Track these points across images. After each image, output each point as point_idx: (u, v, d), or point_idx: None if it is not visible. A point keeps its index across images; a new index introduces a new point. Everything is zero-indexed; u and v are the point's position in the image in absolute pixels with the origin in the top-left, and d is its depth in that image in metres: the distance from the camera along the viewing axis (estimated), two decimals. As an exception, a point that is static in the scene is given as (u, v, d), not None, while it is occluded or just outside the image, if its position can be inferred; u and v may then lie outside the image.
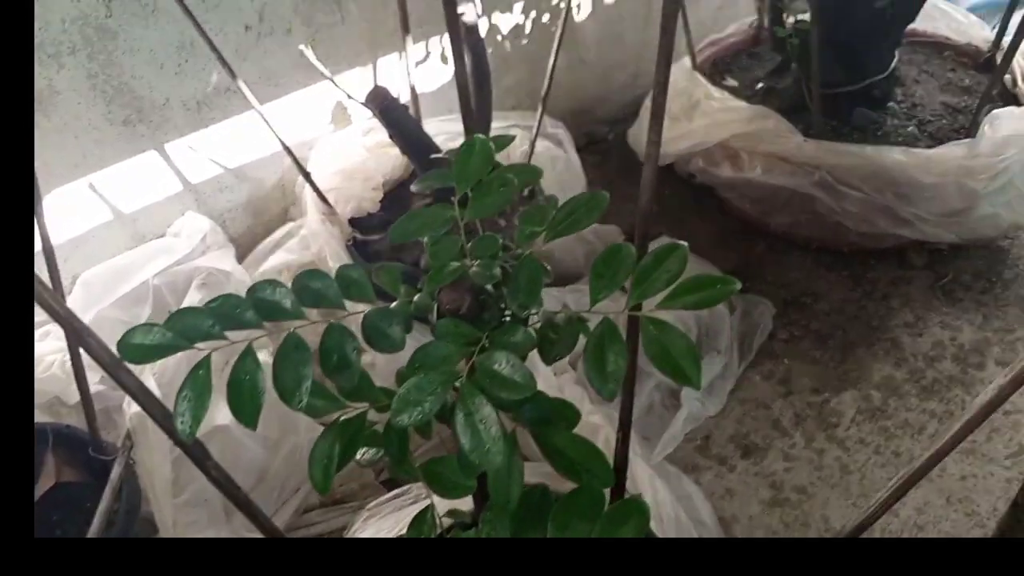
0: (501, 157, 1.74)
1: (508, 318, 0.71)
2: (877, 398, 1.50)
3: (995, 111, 1.61)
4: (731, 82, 1.97)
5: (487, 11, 1.80)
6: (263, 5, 1.44)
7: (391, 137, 1.42)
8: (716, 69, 2.03)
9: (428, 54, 1.73)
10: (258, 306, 0.66)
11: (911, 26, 1.76)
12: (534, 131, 1.62)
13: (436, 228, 0.74)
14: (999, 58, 1.79)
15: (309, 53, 1.31)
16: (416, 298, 0.72)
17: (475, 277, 0.70)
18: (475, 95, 1.48)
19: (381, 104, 1.38)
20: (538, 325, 0.70)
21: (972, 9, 2.33)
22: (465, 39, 1.43)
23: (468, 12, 1.39)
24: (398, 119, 1.40)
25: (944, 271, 1.73)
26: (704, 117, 1.69)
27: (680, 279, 0.63)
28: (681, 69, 1.83)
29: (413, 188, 0.86)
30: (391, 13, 1.54)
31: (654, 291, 0.66)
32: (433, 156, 1.54)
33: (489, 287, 0.70)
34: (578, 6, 2.02)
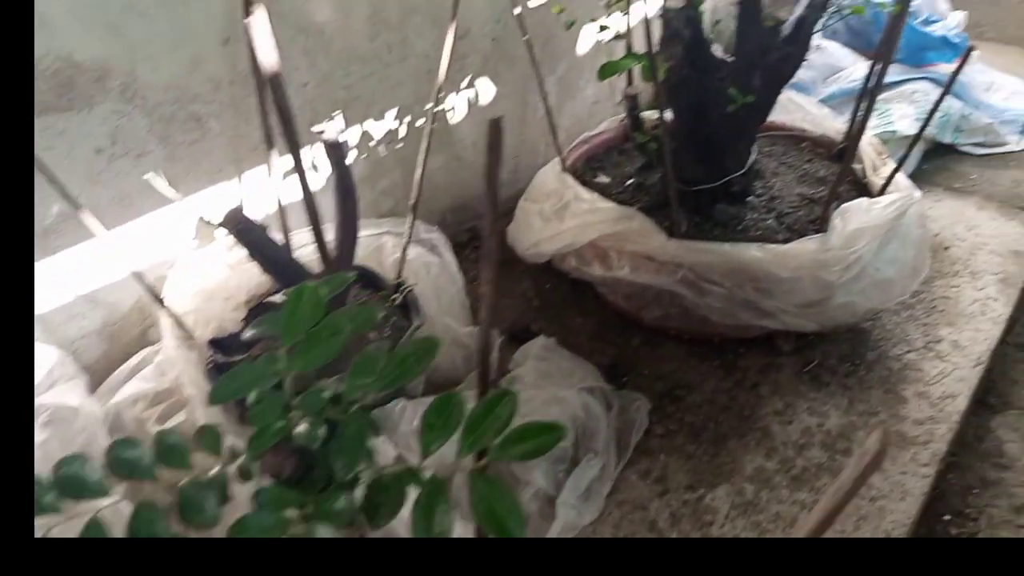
0: (373, 263, 1.72)
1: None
2: (750, 491, 1.52)
3: (844, 205, 1.70)
4: (603, 179, 2.03)
5: (359, 119, 1.82)
6: (115, 127, 1.41)
7: (251, 258, 1.40)
8: (589, 166, 2.09)
9: (300, 165, 1.72)
10: (62, 484, 0.63)
11: (770, 119, 1.85)
12: (405, 239, 1.62)
13: (261, 383, 0.72)
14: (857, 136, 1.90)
15: (157, 181, 1.29)
16: (238, 463, 0.69)
17: (298, 439, 0.69)
18: (340, 210, 1.48)
19: (237, 226, 1.36)
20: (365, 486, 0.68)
21: (825, 100, 2.49)
22: (328, 155, 1.44)
23: (328, 130, 1.40)
24: (256, 240, 1.38)
25: (811, 355, 1.80)
26: (574, 218, 1.73)
27: (511, 423, 0.64)
28: (552, 170, 1.88)
29: (243, 337, 0.84)
30: (254, 127, 1.54)
31: (484, 441, 0.65)
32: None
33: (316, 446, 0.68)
34: (452, 109, 2.07)
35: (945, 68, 2.64)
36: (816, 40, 2.49)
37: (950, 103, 2.53)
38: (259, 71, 1.52)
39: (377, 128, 1.87)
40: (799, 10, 1.67)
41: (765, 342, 1.81)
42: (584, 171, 2.07)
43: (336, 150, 1.42)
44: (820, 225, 1.74)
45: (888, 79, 2.52)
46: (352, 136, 1.82)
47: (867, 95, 1.78)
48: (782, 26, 1.64)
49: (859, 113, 1.84)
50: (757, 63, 1.63)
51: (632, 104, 1.74)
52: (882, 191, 1.79)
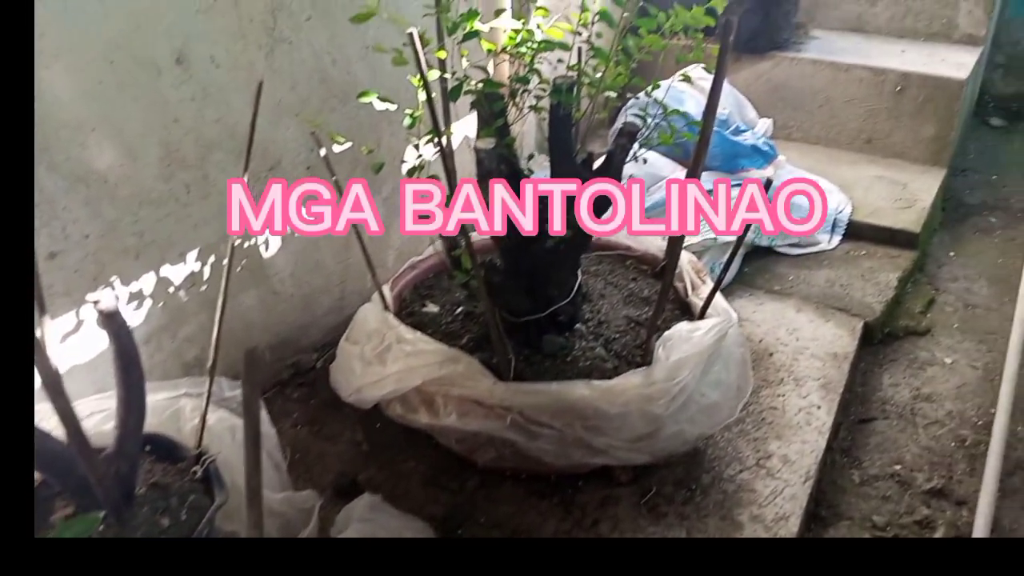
0: (170, 430, 1.53)
1: None
2: (594, 650, 1.43)
3: (667, 333, 1.70)
4: (432, 308, 1.95)
5: (155, 265, 1.66)
6: None
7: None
8: (417, 293, 2.01)
9: (80, 322, 1.54)
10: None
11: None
12: (204, 403, 1.46)
13: None
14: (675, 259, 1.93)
15: None
16: None
17: None
18: (122, 383, 1.31)
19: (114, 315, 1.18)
20: None
21: (649, 210, 2.55)
22: (105, 326, 1.28)
23: (105, 298, 1.24)
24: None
25: (649, 484, 1.76)
26: (397, 362, 1.63)
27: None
28: (374, 308, 1.78)
29: None
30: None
31: None
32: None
33: None
34: (265, 243, 1.94)
35: (757, 173, 2.79)
36: (639, 154, 2.57)
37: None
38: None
39: (176, 272, 1.72)
40: (609, 144, 1.69)
41: (603, 473, 1.75)
42: (412, 299, 1.99)
43: (113, 320, 1.26)
44: (645, 352, 1.73)
45: (705, 187, 2.63)
46: (147, 284, 1.66)
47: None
48: (594, 159, 1.65)
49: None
50: (571, 197, 1.63)
51: (450, 243, 1.69)
52: (702, 313, 1.81)
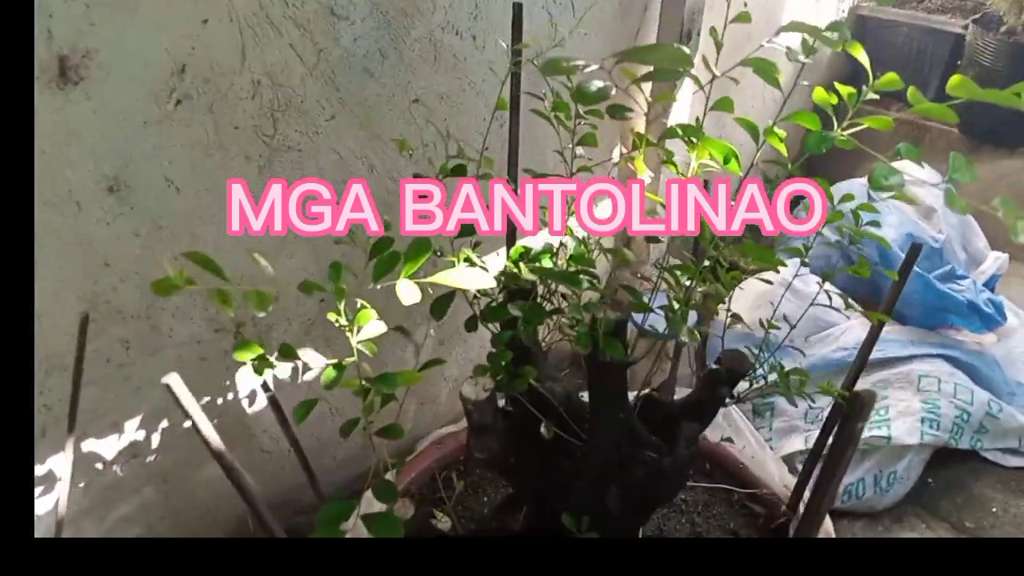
0: None
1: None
2: None
3: None
4: (443, 522, 1.44)
5: (79, 437, 1.27)
6: None
7: None
8: (431, 490, 1.51)
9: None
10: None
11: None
12: None
13: None
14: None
15: None
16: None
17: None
18: None
19: None
20: None
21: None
22: None
23: None
24: None
25: None
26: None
27: None
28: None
29: None
30: None
31: None
32: None
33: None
34: (249, 397, 1.51)
35: (971, 338, 2.00)
36: (799, 282, 1.89)
37: (972, 394, 1.88)
38: None
39: (108, 445, 1.32)
40: (696, 382, 1.09)
41: None
42: (425, 497, 1.49)
43: None
44: None
45: (890, 352, 1.90)
46: (58, 465, 1.27)
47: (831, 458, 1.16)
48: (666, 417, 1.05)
49: (821, 464, 1.22)
50: (612, 476, 1.04)
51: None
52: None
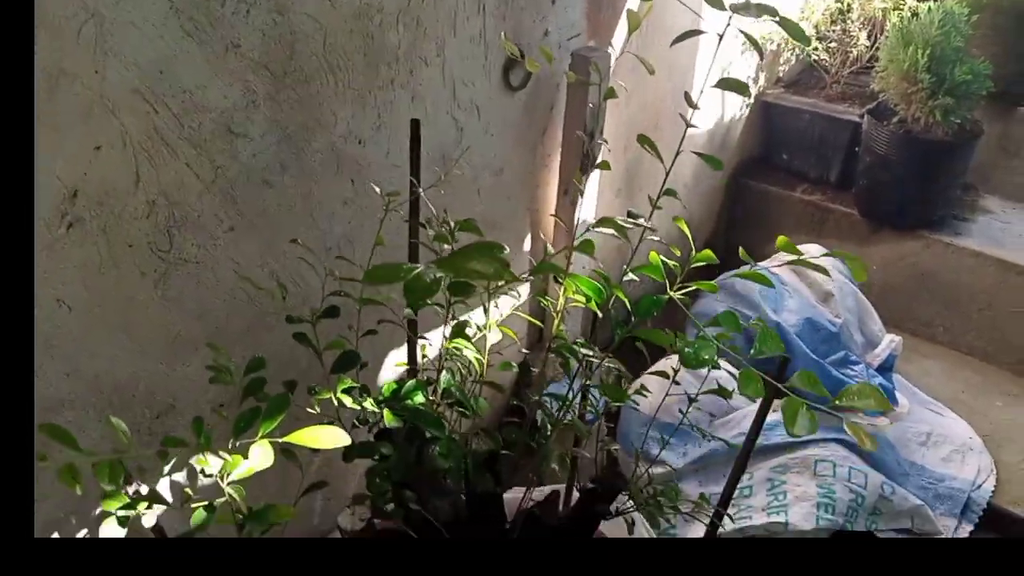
0: None
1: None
2: None
3: None
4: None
5: None
6: None
7: None
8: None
9: None
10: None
11: None
12: None
13: None
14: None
15: None
16: None
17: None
18: None
19: None
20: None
21: (695, 463, 1.92)
22: None
23: None
24: None
25: None
26: None
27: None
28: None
29: None
30: None
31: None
32: None
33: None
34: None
35: (865, 421, 2.10)
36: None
37: (866, 477, 1.96)
38: None
39: None
40: (569, 510, 1.13)
41: None
42: None
43: None
44: None
45: (788, 436, 1.97)
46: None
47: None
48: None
49: None
50: None
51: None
52: None
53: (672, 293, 0.80)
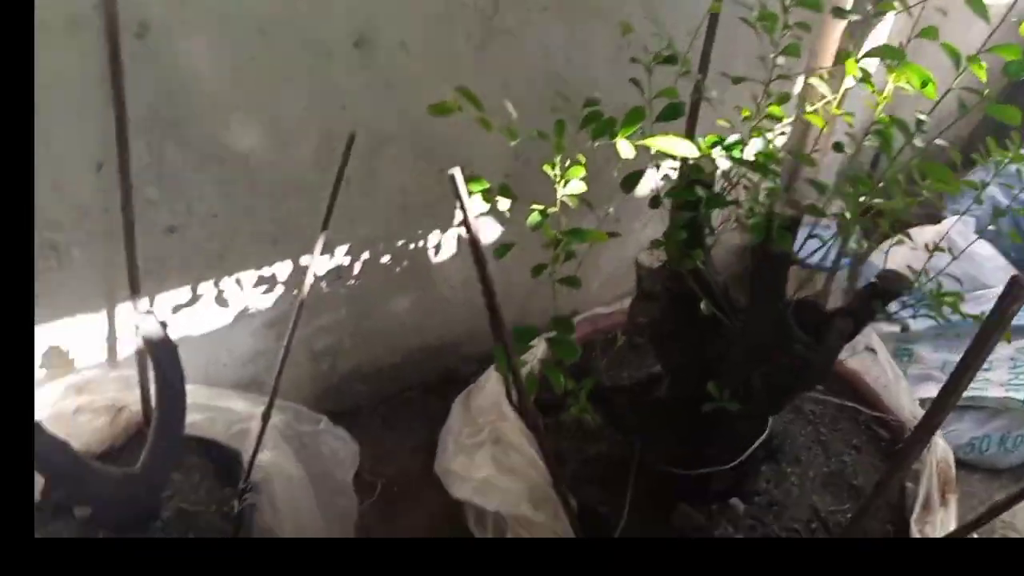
0: (236, 444, 1.39)
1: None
2: None
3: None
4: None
5: (293, 255, 1.51)
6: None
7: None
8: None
9: (196, 297, 1.46)
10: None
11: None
12: (256, 438, 1.30)
13: None
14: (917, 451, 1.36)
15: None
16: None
17: None
18: (159, 412, 1.20)
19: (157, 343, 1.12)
20: None
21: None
22: (148, 350, 1.15)
23: (147, 322, 1.11)
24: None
25: None
26: (484, 467, 1.35)
27: None
28: (496, 382, 1.49)
29: None
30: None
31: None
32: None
33: None
34: (436, 246, 1.71)
35: None
36: (960, 237, 1.89)
37: None
38: (127, 207, 1.25)
39: (320, 264, 1.56)
40: (841, 301, 1.18)
41: None
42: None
43: (157, 346, 1.13)
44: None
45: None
46: (282, 271, 1.52)
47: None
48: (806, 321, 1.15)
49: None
50: (760, 359, 1.16)
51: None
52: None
53: None
